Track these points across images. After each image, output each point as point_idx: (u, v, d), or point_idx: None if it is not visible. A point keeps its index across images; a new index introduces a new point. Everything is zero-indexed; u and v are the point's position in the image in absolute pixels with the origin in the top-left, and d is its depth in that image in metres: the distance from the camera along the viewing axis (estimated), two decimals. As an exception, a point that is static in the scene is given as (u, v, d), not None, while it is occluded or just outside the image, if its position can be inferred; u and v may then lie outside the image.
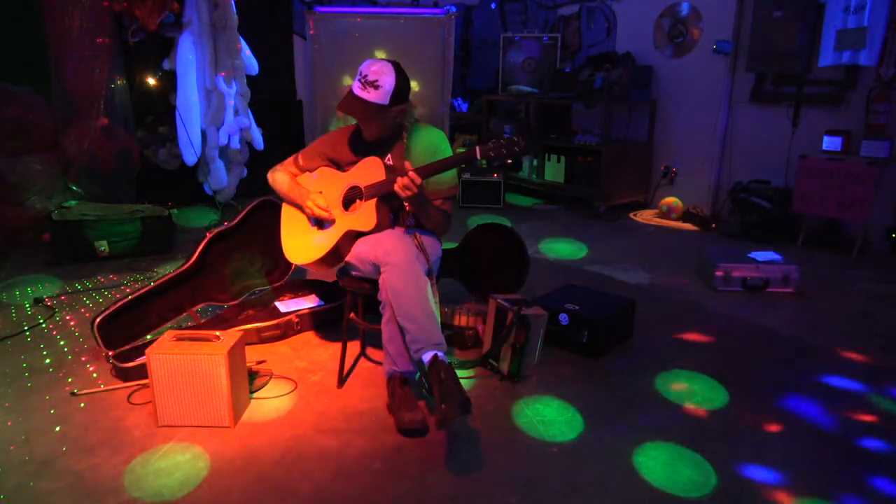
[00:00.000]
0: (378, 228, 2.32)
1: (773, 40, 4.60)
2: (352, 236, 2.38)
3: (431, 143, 2.44)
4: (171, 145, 4.87)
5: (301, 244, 2.48)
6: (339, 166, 2.53)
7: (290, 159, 2.59)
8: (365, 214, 2.34)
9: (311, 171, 2.56)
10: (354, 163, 2.45)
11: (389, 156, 2.43)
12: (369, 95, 2.26)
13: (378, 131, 2.37)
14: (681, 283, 3.68)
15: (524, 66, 6.09)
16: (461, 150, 2.39)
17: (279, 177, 2.56)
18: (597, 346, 2.69)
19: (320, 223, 2.47)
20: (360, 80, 2.28)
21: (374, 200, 2.33)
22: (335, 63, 6.02)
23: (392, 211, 2.40)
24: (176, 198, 5.16)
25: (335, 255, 2.41)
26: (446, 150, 2.44)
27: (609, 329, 2.74)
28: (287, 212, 2.58)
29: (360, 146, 2.47)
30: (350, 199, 2.42)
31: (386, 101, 2.27)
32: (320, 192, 2.47)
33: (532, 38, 6.08)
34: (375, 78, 2.26)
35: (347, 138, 2.52)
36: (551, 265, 4.01)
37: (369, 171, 2.37)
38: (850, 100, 4.39)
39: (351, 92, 2.31)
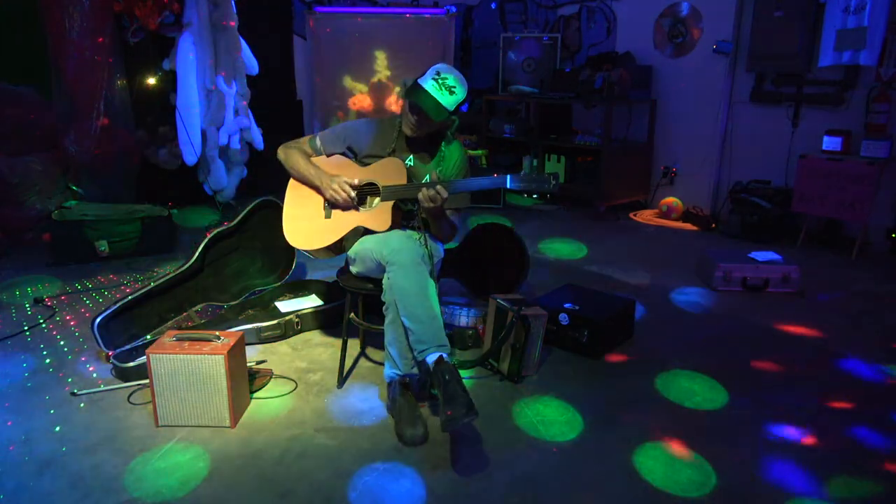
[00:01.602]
0: (389, 228, 2.32)
1: (773, 40, 4.60)
2: (360, 232, 2.37)
3: (462, 159, 2.50)
4: (172, 145, 4.87)
5: (305, 228, 2.43)
6: (357, 157, 2.49)
7: (306, 139, 2.52)
8: (381, 215, 2.33)
9: (328, 155, 2.49)
10: (376, 156, 2.42)
11: (412, 156, 2.44)
12: (444, 99, 2.28)
13: (425, 131, 2.39)
14: (681, 283, 3.68)
15: (524, 66, 6.09)
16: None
17: (293, 153, 2.47)
18: (597, 346, 2.69)
19: (331, 211, 2.42)
20: (435, 80, 2.29)
21: (391, 203, 2.32)
22: (335, 63, 6.03)
23: (402, 212, 2.40)
24: (176, 198, 5.16)
25: (338, 245, 2.41)
26: (465, 165, 2.51)
27: (609, 329, 2.74)
28: (294, 192, 2.49)
29: (389, 141, 2.45)
30: (364, 194, 2.41)
31: (452, 108, 2.31)
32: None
33: (532, 38, 6.08)
34: (454, 85, 2.29)
35: (376, 131, 2.48)
36: (551, 265, 4.01)
37: (391, 171, 2.35)
38: (850, 100, 4.39)
39: (421, 87, 2.30)
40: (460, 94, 2.30)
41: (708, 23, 5.07)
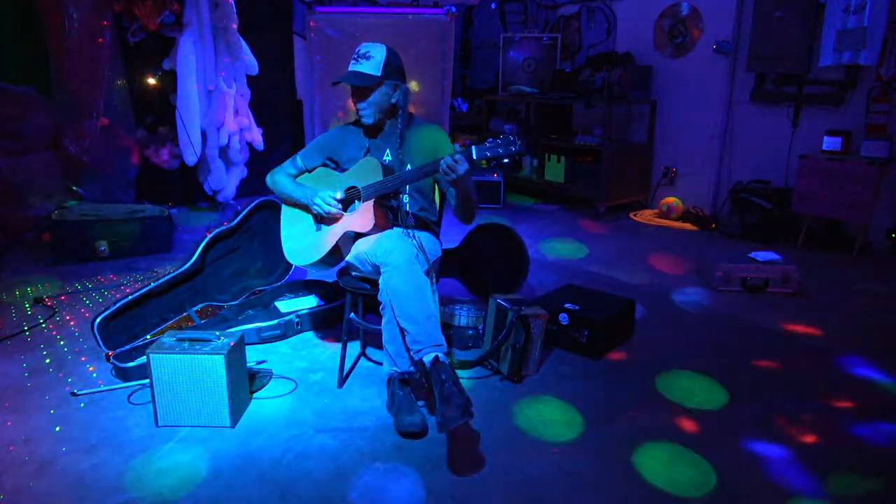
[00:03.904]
0: (377, 229, 2.32)
1: (773, 40, 4.60)
2: (351, 237, 2.38)
3: (431, 138, 2.47)
4: (172, 145, 4.87)
5: (301, 245, 2.48)
6: (339, 165, 2.53)
7: (288, 161, 2.59)
8: (363, 215, 2.35)
9: (310, 170, 2.55)
10: (354, 160, 2.45)
11: (388, 150, 2.44)
12: (361, 67, 2.32)
13: (374, 110, 2.38)
14: (681, 283, 3.68)
15: (524, 66, 6.09)
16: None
17: (279, 178, 2.55)
18: (597, 346, 2.69)
19: (320, 224, 2.47)
20: (353, 58, 2.36)
21: (371, 201, 2.34)
22: (335, 63, 6.02)
23: (391, 211, 2.41)
24: (176, 198, 5.16)
25: (335, 255, 2.43)
26: (447, 145, 2.46)
27: (609, 329, 2.74)
28: (287, 213, 2.58)
29: (363, 142, 2.48)
30: (348, 199, 2.43)
31: (378, 71, 2.32)
32: None
33: (532, 38, 6.08)
34: (366, 51, 2.35)
35: (348, 135, 2.53)
36: (551, 265, 4.01)
37: (367, 171, 2.37)
38: (850, 100, 4.39)
39: (338, 78, 2.37)
40: (378, 55, 2.34)
41: (708, 23, 5.07)
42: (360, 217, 2.35)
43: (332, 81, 2.39)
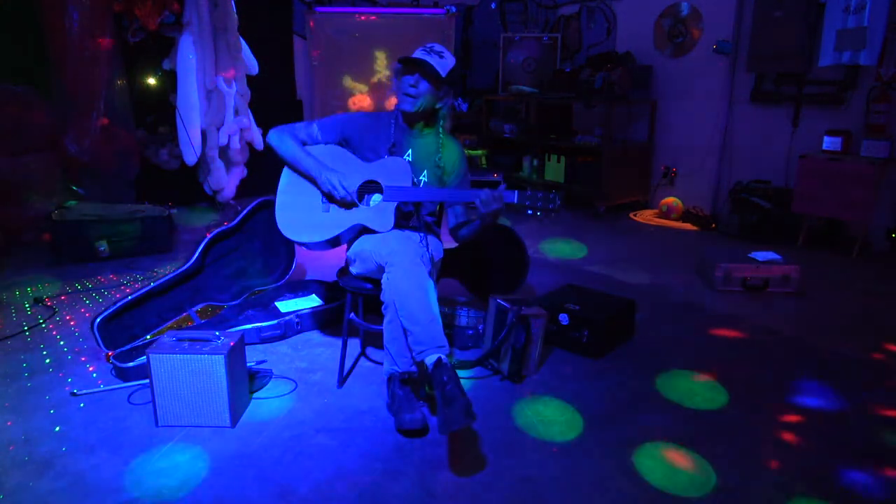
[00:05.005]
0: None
1: (773, 40, 4.60)
2: (359, 230, 2.37)
3: (461, 155, 2.51)
4: (172, 145, 4.87)
5: (303, 220, 2.38)
6: (353, 149, 2.45)
7: (301, 124, 2.46)
8: (384, 215, 2.32)
9: (324, 143, 2.45)
10: (375, 151, 2.42)
11: (410, 150, 2.43)
12: (432, 60, 2.32)
13: (421, 101, 2.36)
14: (681, 283, 3.68)
15: (524, 66, 6.09)
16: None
17: (287, 140, 2.40)
18: (597, 346, 2.69)
19: (329, 205, 2.38)
20: (423, 49, 2.36)
21: (394, 204, 2.32)
22: (335, 63, 6.03)
23: (403, 214, 2.40)
24: (176, 198, 5.16)
25: (335, 241, 2.39)
26: (463, 169, 2.53)
27: (609, 329, 2.74)
28: (289, 180, 2.43)
29: (388, 136, 2.44)
30: (365, 191, 2.39)
31: (444, 72, 2.34)
32: None
33: (532, 38, 6.08)
34: (441, 50, 2.36)
35: (374, 125, 2.47)
36: (551, 265, 4.01)
37: (395, 171, 2.34)
38: (850, 100, 4.39)
39: (412, 58, 2.34)
40: (448, 59, 2.36)
41: (708, 23, 5.08)
42: (380, 216, 2.32)
43: (401, 56, 2.36)
